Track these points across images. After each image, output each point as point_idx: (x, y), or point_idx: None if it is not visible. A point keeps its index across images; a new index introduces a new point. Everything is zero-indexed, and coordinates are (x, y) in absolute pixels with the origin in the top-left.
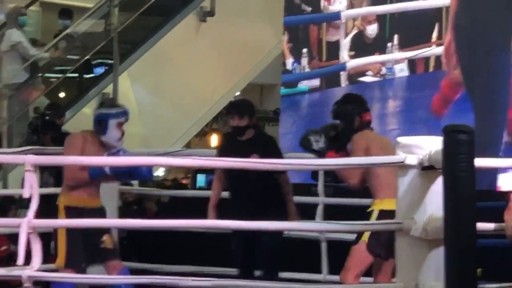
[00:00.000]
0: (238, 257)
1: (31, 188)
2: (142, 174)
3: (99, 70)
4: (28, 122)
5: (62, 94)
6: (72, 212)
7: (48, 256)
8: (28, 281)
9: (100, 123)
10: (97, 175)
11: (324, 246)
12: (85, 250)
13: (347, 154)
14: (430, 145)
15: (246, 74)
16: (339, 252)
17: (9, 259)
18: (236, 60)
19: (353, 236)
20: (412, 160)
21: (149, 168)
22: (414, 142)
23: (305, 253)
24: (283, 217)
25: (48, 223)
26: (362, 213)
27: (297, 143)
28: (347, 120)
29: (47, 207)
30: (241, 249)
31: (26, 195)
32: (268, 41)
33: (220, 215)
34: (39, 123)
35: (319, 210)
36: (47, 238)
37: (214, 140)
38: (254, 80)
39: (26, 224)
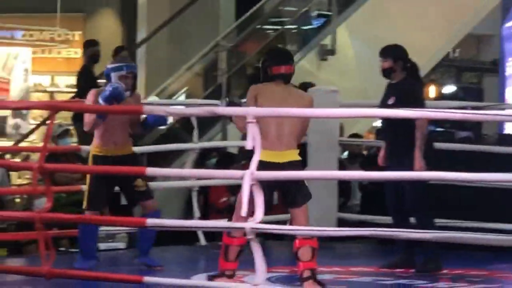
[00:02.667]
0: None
1: (254, 140)
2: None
3: (318, 22)
4: (247, 74)
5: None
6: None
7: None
8: (251, 233)
9: (107, 78)
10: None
11: None
12: (124, 193)
13: None
14: None
15: (463, 25)
16: None
17: (228, 211)
18: (453, 11)
19: None
20: None
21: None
22: None
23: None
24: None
25: (268, 175)
26: None
27: None
28: (260, 71)
29: None
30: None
31: (249, 146)
32: None
33: None
34: (256, 75)
35: None
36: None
37: (432, 91)
38: (471, 31)
39: (249, 176)
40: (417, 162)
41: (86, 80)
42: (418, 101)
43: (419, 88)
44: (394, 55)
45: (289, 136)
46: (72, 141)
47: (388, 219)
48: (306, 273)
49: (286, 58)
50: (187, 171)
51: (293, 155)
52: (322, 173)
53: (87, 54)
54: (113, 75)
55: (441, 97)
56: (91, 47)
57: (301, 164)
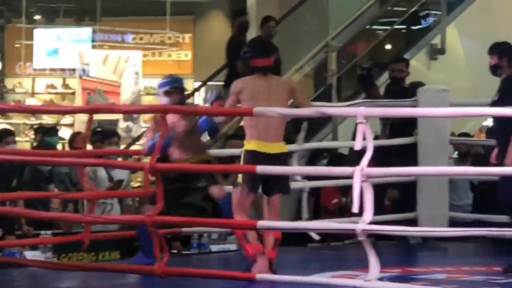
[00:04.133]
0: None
1: (364, 140)
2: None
3: (427, 21)
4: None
5: (388, 46)
6: None
7: (382, 208)
8: (362, 234)
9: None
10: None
11: None
12: None
13: None
14: None
15: None
16: None
17: (339, 212)
18: None
19: None
20: None
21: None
22: None
23: None
24: None
25: (380, 171)
26: None
27: None
28: (243, 62)
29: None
30: None
31: (357, 147)
32: None
33: None
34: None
35: None
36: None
37: None
38: None
39: (359, 173)
40: (508, 158)
41: (236, 49)
42: None
43: None
44: (499, 51)
45: (277, 129)
46: None
47: (501, 217)
48: None
49: (265, 51)
50: (294, 168)
51: (282, 147)
52: (433, 169)
53: (236, 24)
54: (160, 91)
55: None
56: (239, 17)
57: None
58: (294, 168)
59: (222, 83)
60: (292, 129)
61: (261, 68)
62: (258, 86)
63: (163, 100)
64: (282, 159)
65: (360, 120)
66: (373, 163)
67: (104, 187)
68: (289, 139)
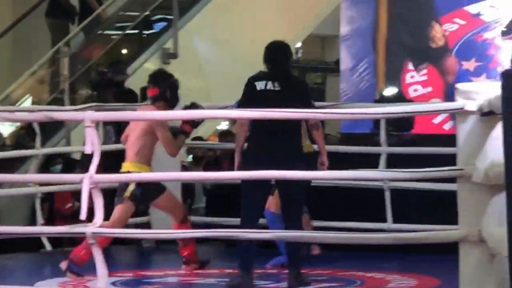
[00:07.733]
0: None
1: (92, 144)
2: None
3: (159, 26)
4: (90, 79)
5: (123, 51)
6: None
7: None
8: (92, 237)
9: None
10: None
11: (388, 195)
12: None
13: None
14: (489, 90)
15: (306, 25)
16: (403, 200)
17: (73, 217)
18: (296, 11)
19: (416, 185)
20: (471, 106)
21: None
22: (473, 88)
23: (369, 202)
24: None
25: (109, 178)
26: (424, 161)
27: None
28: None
29: (110, 163)
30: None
31: (87, 151)
32: None
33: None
34: (99, 81)
35: (382, 160)
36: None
37: None
38: (315, 31)
39: (88, 180)
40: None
41: None
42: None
43: None
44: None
45: (128, 149)
46: None
47: (233, 220)
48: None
49: (151, 81)
50: (24, 176)
51: (127, 167)
52: (167, 175)
53: None
54: None
55: None
56: None
57: None
58: (25, 176)
59: None
60: (25, 134)
61: (148, 97)
62: None
63: None
64: None
65: (88, 124)
66: (103, 168)
67: None
68: (21, 145)
